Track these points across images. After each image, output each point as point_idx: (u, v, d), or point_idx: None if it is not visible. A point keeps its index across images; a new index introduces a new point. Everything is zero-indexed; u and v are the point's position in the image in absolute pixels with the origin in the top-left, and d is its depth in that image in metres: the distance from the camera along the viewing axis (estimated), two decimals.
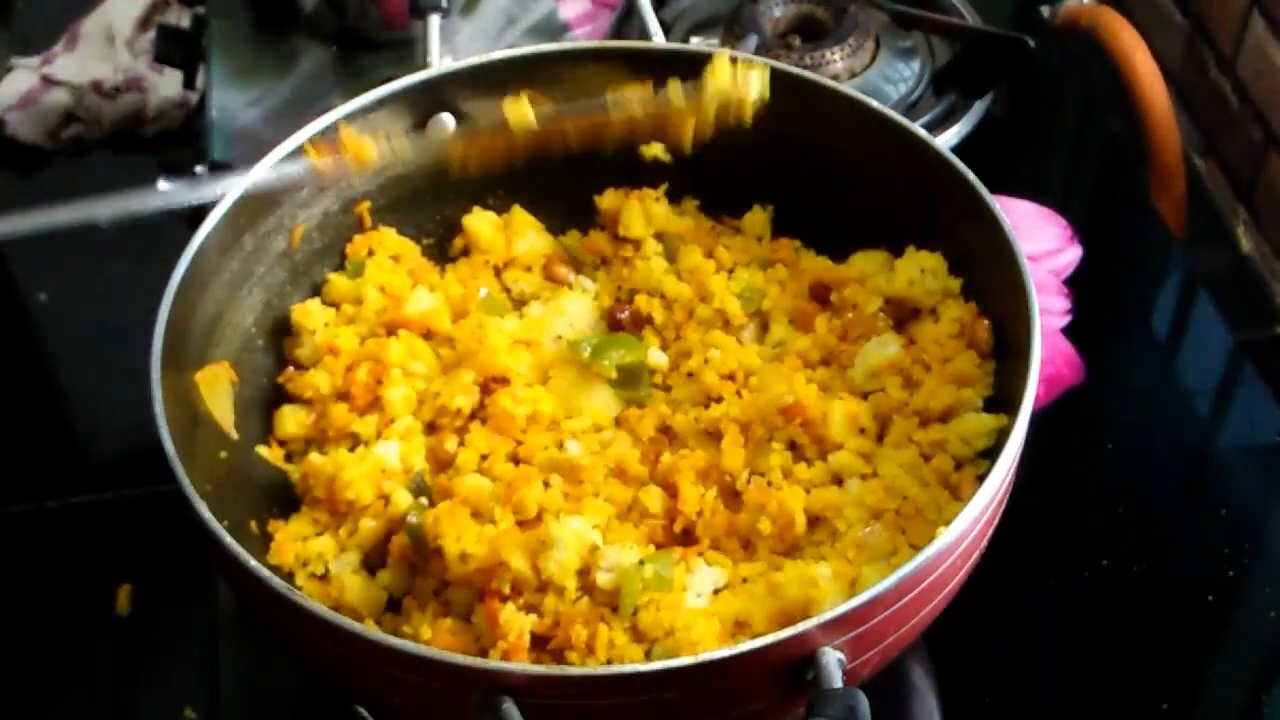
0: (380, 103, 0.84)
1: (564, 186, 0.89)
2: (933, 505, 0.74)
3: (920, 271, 0.81)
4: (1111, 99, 1.12)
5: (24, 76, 1.44)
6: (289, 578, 0.74)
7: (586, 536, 0.71)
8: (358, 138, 0.79)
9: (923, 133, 0.81)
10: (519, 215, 0.90)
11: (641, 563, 0.71)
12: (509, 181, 0.89)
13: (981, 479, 0.67)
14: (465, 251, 0.90)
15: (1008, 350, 0.77)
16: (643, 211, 0.88)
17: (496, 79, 0.86)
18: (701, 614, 0.70)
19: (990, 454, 0.74)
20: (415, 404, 0.81)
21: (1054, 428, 0.90)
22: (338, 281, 0.85)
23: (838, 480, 0.77)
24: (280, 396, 0.82)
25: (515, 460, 0.79)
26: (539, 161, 0.88)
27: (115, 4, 1.46)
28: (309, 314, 0.83)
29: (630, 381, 0.82)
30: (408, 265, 0.87)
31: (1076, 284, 0.97)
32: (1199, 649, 0.82)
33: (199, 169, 1.02)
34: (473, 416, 0.81)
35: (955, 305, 0.81)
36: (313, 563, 0.75)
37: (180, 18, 1.35)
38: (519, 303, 0.88)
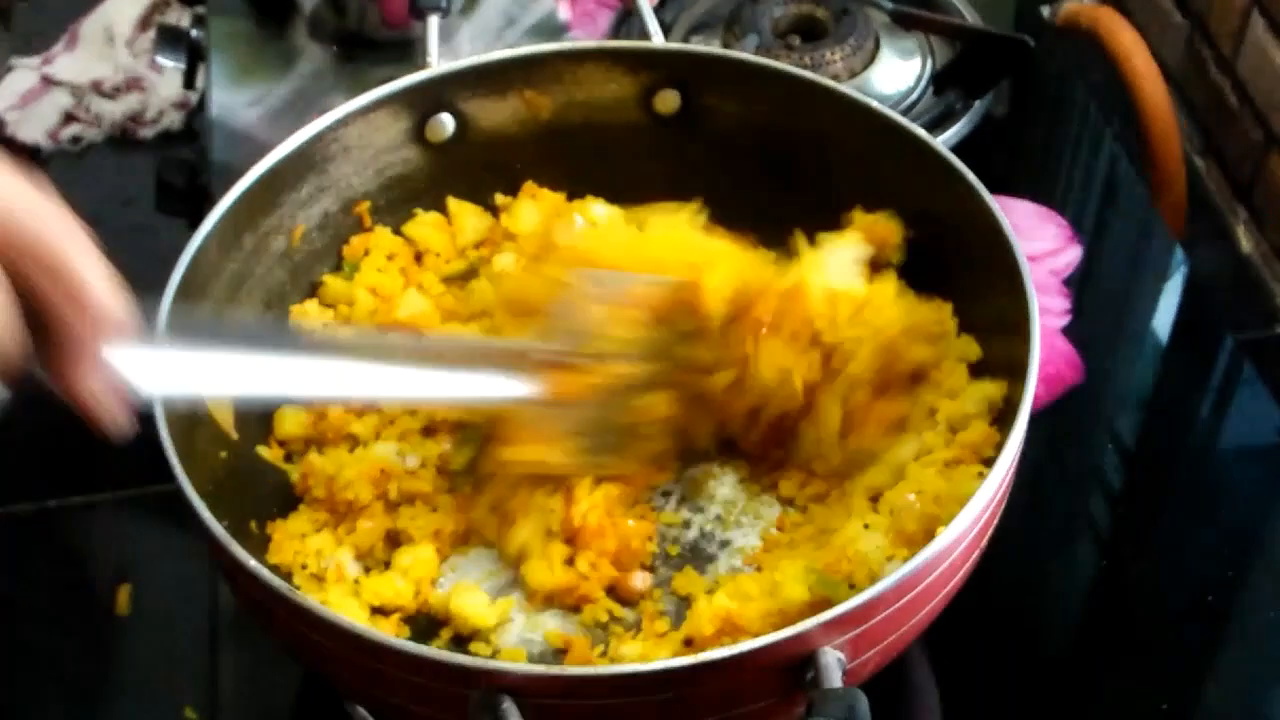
0: (380, 103, 0.84)
1: (563, 186, 0.89)
2: None
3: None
4: (1111, 99, 1.11)
5: (24, 76, 1.44)
6: (288, 577, 0.74)
7: None
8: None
9: (923, 133, 0.81)
10: None
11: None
12: (507, 183, 0.89)
13: (981, 479, 0.67)
14: None
15: (1007, 350, 0.77)
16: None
17: (496, 79, 0.86)
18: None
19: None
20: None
21: (1054, 428, 0.90)
22: (332, 283, 0.85)
23: None
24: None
25: None
26: (538, 160, 0.89)
27: (115, 4, 1.46)
28: (306, 315, 0.83)
29: None
30: (400, 265, 0.87)
31: (1076, 284, 0.97)
32: (1199, 649, 0.82)
33: None
34: None
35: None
36: (311, 562, 0.75)
37: (180, 18, 1.35)
38: None
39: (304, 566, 0.75)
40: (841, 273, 0.78)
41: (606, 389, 0.75)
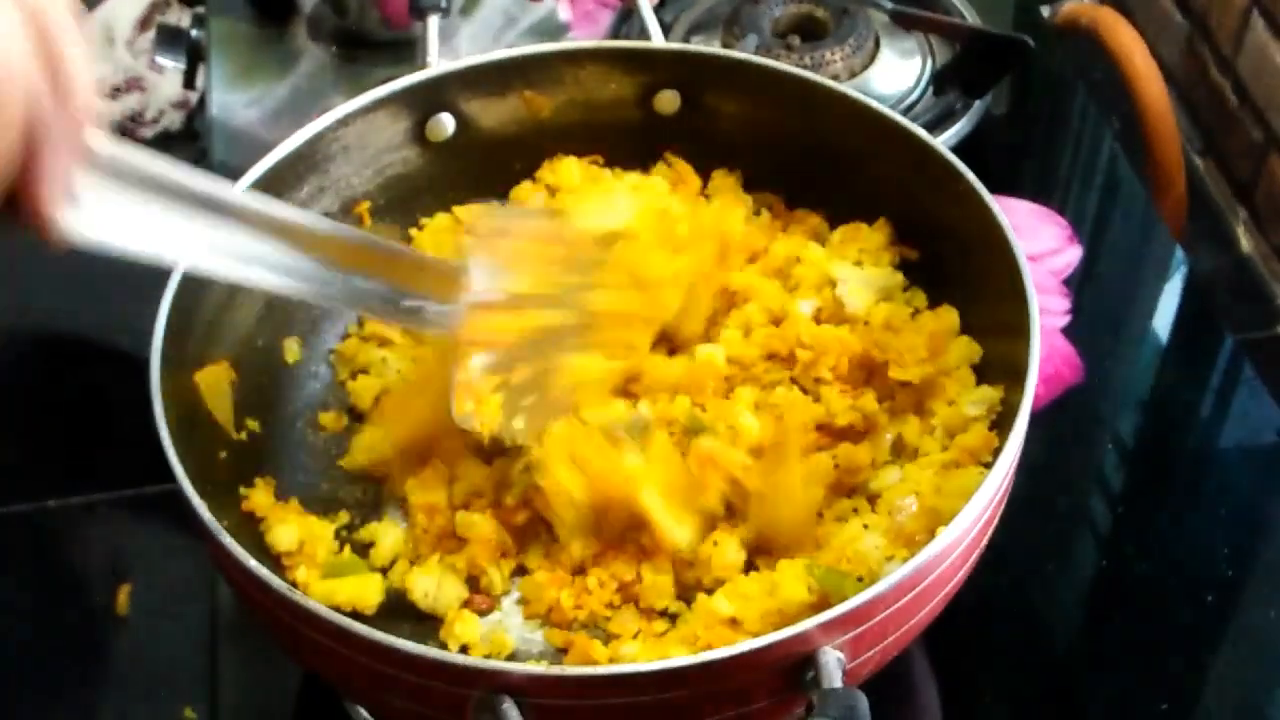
0: (380, 103, 0.84)
1: None
2: None
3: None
4: (1111, 99, 1.12)
5: None
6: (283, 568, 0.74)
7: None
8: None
9: (923, 133, 0.81)
10: None
11: None
12: (507, 183, 0.89)
13: (981, 479, 0.67)
14: None
15: (1007, 351, 0.77)
16: None
17: (496, 79, 0.86)
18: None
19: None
20: None
21: (1054, 428, 0.90)
22: None
23: None
24: None
25: None
26: (538, 160, 0.89)
27: (115, 4, 1.46)
28: None
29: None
30: None
31: (1076, 284, 0.97)
32: (1199, 649, 0.82)
33: None
34: None
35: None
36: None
37: (180, 18, 1.35)
38: None
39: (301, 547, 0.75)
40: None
41: (528, 339, 0.72)
